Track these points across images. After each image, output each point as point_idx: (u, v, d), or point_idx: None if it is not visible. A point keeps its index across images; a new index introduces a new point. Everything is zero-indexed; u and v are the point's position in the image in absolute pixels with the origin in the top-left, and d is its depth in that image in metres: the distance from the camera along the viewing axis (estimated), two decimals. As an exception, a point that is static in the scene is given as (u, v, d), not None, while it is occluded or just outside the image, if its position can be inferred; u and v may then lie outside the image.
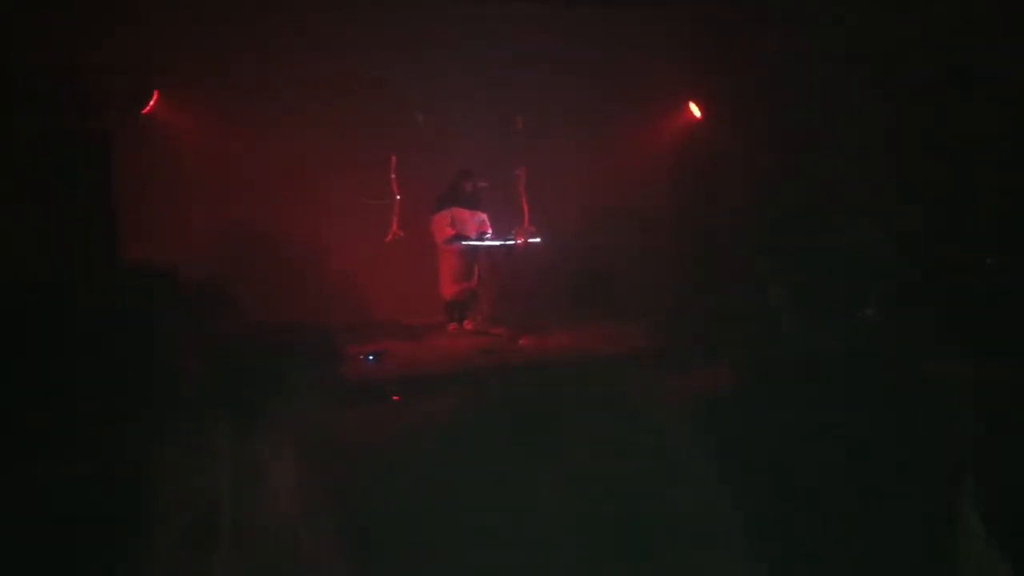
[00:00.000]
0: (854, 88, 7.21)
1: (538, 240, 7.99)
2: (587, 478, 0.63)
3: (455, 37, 8.01)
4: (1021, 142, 6.29)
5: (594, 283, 8.12)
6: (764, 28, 7.62)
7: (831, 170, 7.27)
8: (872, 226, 1.51)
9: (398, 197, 8.31)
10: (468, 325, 8.02)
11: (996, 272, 6.18)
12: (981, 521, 1.43)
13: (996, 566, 1.43)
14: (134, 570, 1.21)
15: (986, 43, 6.42)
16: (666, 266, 8.33)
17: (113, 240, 6.75)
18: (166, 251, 6.25)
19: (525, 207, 8.41)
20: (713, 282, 7.57)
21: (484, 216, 7.94)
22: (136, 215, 7.04)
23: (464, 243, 7.76)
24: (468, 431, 0.69)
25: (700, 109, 9.09)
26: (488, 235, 7.90)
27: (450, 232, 7.72)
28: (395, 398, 5.66)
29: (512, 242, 7.88)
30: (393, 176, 8.29)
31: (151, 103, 7.46)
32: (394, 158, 8.27)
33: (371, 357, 6.62)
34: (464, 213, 7.78)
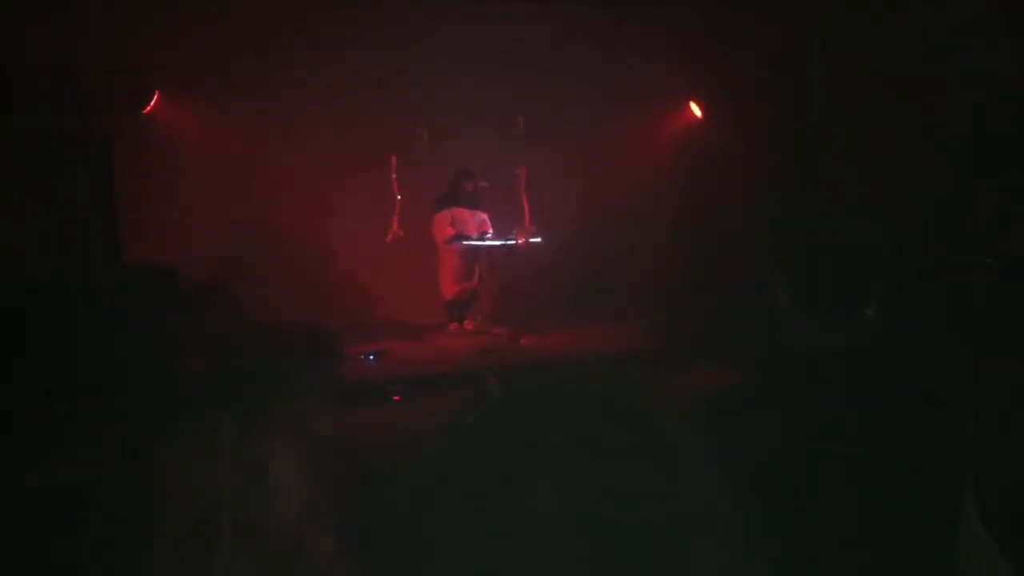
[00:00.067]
0: (854, 88, 7.21)
1: (539, 240, 8.00)
2: (587, 478, 0.62)
3: (455, 37, 8.01)
4: (1021, 142, 6.29)
5: (594, 283, 8.13)
6: (764, 28, 7.62)
7: (831, 170, 7.27)
8: (872, 226, 1.51)
9: (398, 197, 8.31)
10: (469, 325, 8.02)
11: (996, 272, 6.18)
12: (981, 521, 1.43)
13: (996, 566, 1.43)
14: (134, 569, 1.21)
15: (986, 43, 6.42)
16: (666, 266, 8.33)
17: (113, 240, 6.75)
18: (166, 251, 6.25)
19: (526, 207, 8.41)
20: (713, 282, 7.57)
21: (485, 216, 7.94)
22: (136, 215, 7.04)
23: (465, 243, 7.76)
24: (468, 431, 0.69)
25: (700, 109, 9.09)
26: (489, 235, 7.91)
27: (451, 232, 7.72)
28: (395, 398, 5.67)
29: (513, 242, 7.88)
30: (393, 176, 8.29)
31: (151, 103, 7.46)
32: (394, 158, 8.27)
33: (371, 357, 6.63)
34: (465, 213, 7.78)
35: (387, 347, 6.94)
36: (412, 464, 0.69)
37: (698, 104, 9.09)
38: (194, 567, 1.22)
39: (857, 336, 1.49)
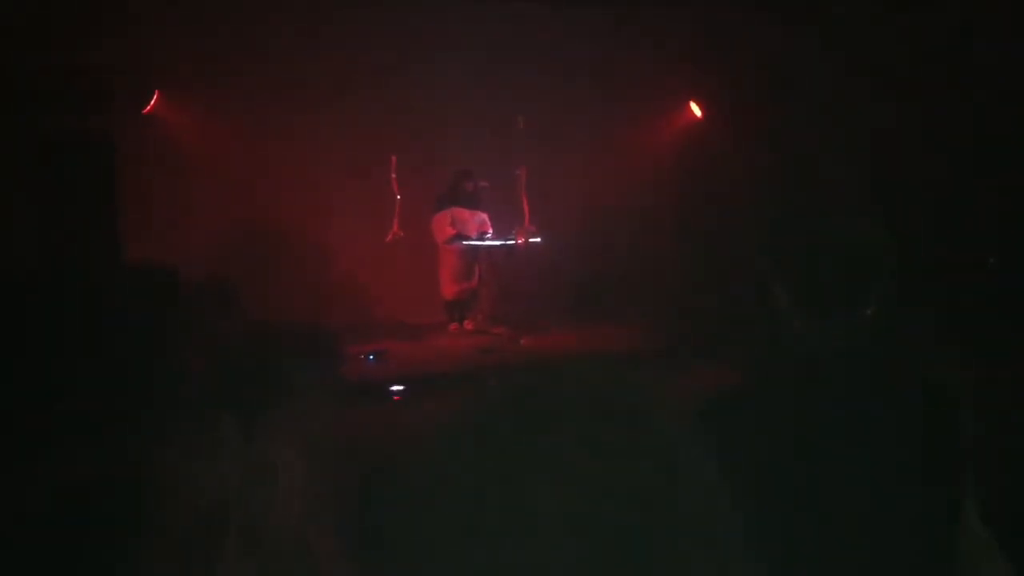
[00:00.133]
0: (854, 88, 7.22)
1: (538, 240, 8.00)
2: (587, 478, 0.62)
3: (455, 37, 8.02)
4: (1021, 142, 6.29)
5: (594, 283, 8.13)
6: (764, 28, 7.63)
7: (831, 170, 7.27)
8: (872, 226, 1.51)
9: (398, 197, 8.31)
10: (468, 325, 8.02)
11: (996, 272, 6.19)
12: (981, 521, 1.43)
13: (996, 566, 1.43)
14: (134, 570, 1.21)
15: (986, 43, 6.42)
16: (666, 266, 8.33)
17: (113, 240, 6.75)
18: (166, 251, 6.25)
19: (525, 207, 8.41)
20: (713, 282, 7.57)
21: (484, 216, 7.94)
22: (136, 215, 7.05)
23: (464, 243, 7.76)
24: (468, 431, 0.69)
25: (700, 109, 9.09)
26: (488, 235, 7.91)
27: (450, 232, 7.72)
28: (395, 398, 5.67)
29: (512, 242, 7.88)
30: (393, 176, 8.30)
31: (151, 103, 7.46)
32: (394, 158, 8.27)
33: (371, 357, 6.63)
34: (464, 213, 7.78)
35: (387, 347, 6.94)
36: (412, 464, 0.69)
37: (698, 104, 9.09)
38: (194, 568, 1.22)
39: (857, 336, 1.49)
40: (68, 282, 5.02)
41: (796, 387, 1.47)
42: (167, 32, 7.07)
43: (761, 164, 7.83)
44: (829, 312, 1.50)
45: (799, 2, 7.51)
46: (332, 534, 1.32)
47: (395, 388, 5.74)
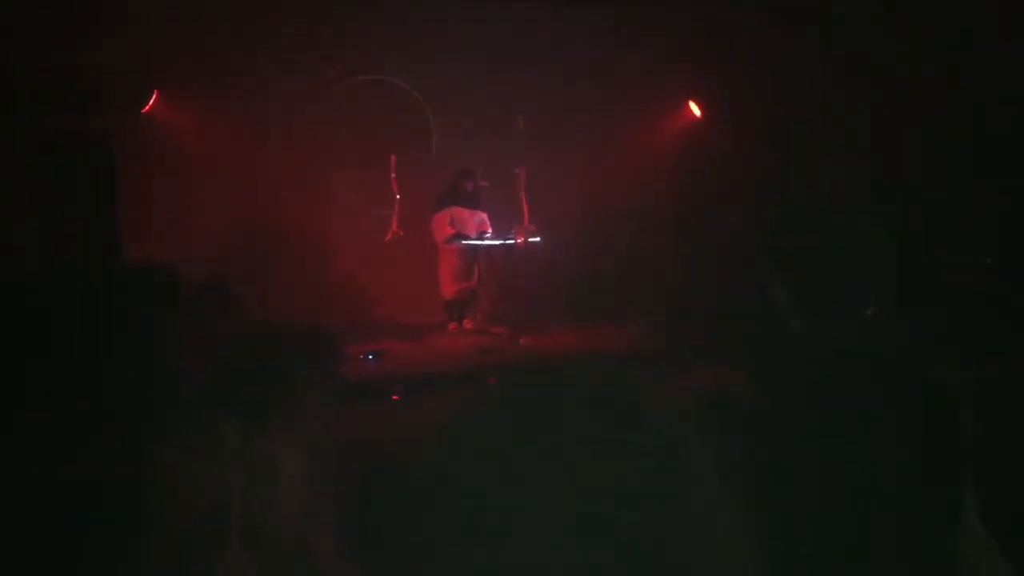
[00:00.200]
0: (854, 88, 7.21)
1: (538, 239, 8.00)
2: (587, 478, 0.62)
3: (455, 37, 8.02)
4: (1021, 142, 6.29)
5: (594, 283, 8.12)
6: (764, 28, 7.62)
7: (831, 170, 7.27)
8: (872, 226, 1.51)
9: (398, 197, 8.31)
10: (468, 324, 8.02)
11: (996, 272, 6.19)
12: (981, 521, 1.43)
13: (996, 566, 1.43)
14: (134, 570, 1.21)
15: (986, 43, 6.42)
16: (666, 266, 8.33)
17: (112, 240, 6.75)
18: (166, 251, 6.25)
19: (525, 207, 8.41)
20: (713, 282, 7.57)
21: (484, 215, 7.94)
22: (135, 215, 7.04)
23: (464, 242, 7.76)
24: (468, 431, 0.69)
25: (700, 109, 9.09)
26: (488, 234, 7.90)
27: (450, 231, 7.72)
28: (394, 397, 5.67)
29: (512, 241, 7.88)
30: (393, 176, 8.29)
31: (150, 103, 7.46)
32: (394, 158, 8.27)
33: (371, 357, 6.63)
34: (464, 212, 7.78)
35: (387, 347, 6.94)
36: (411, 464, 0.69)
37: (698, 104, 9.09)
38: (194, 568, 1.22)
39: (857, 336, 1.49)
40: (67, 282, 5.02)
41: (796, 387, 1.47)
42: (166, 32, 7.07)
43: (761, 164, 7.83)
44: (829, 312, 1.50)
45: (799, 2, 7.50)
46: (332, 534, 1.32)
47: (395, 388, 5.74)
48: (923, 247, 5.56)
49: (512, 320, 7.66)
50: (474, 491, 0.64)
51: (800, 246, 1.53)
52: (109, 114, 6.97)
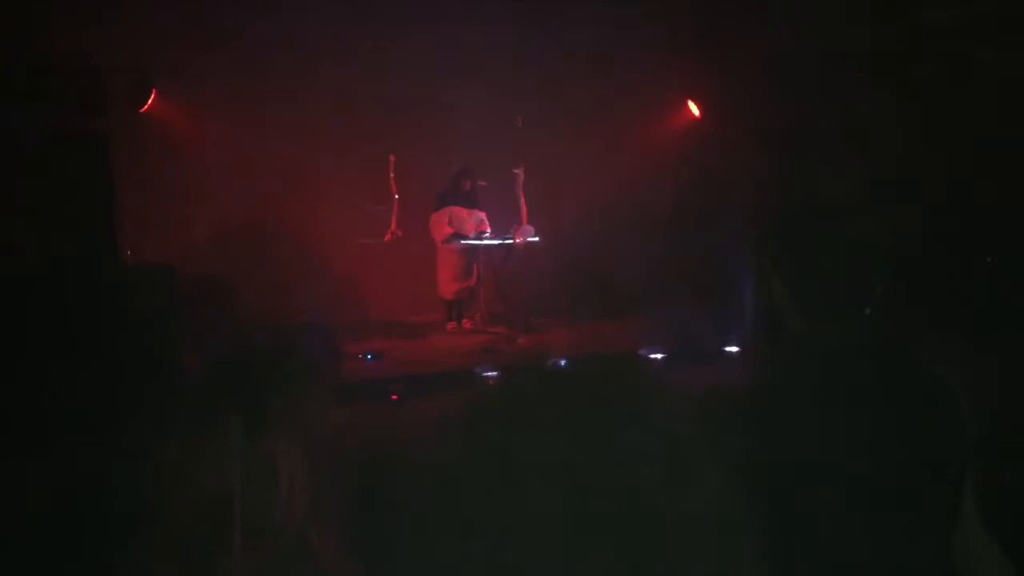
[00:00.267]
0: (853, 87, 7.21)
1: (536, 239, 7.99)
2: (586, 478, 0.62)
3: (454, 36, 8.01)
4: (1021, 142, 6.29)
5: (593, 283, 8.12)
6: (764, 27, 7.62)
7: (831, 170, 7.27)
8: (872, 226, 1.51)
9: (396, 197, 8.31)
10: (467, 324, 8.02)
11: (996, 272, 6.19)
12: (981, 521, 1.43)
13: (996, 566, 1.43)
14: (133, 570, 1.21)
15: (986, 42, 6.42)
16: (666, 266, 8.33)
17: (112, 240, 6.74)
18: (166, 251, 6.25)
19: (524, 206, 8.40)
20: (713, 282, 7.57)
21: (483, 215, 7.94)
22: (136, 215, 7.04)
23: (463, 242, 7.76)
24: (466, 430, 0.69)
25: (698, 108, 9.09)
26: (487, 234, 7.90)
27: (448, 231, 7.72)
28: (393, 397, 5.67)
29: (510, 241, 7.87)
30: (392, 175, 8.29)
31: (149, 102, 7.45)
32: (393, 158, 8.26)
33: (369, 356, 6.63)
34: (462, 212, 7.78)
35: (386, 346, 6.94)
36: (409, 463, 0.69)
37: (697, 103, 9.09)
38: (194, 568, 1.21)
39: (857, 336, 1.49)
40: (66, 281, 5.02)
41: (796, 387, 1.47)
42: (164, 31, 7.06)
43: (761, 164, 7.83)
44: (829, 312, 1.50)
45: (799, 1, 7.50)
46: (331, 534, 1.32)
47: (393, 387, 5.74)
48: (923, 247, 5.56)
49: (511, 320, 7.66)
50: (473, 490, 0.63)
51: (800, 246, 1.53)
52: (107, 113, 6.97)
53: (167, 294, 4.73)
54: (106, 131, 6.94)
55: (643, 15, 8.17)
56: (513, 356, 6.84)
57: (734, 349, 6.38)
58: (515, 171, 8.45)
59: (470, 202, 7.82)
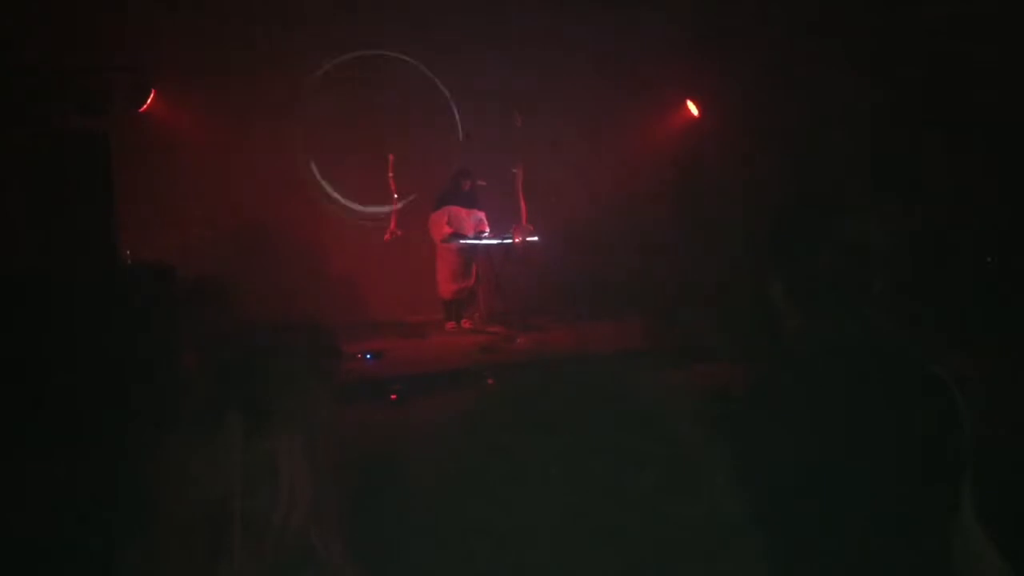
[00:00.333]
0: (854, 87, 7.21)
1: (536, 239, 7.99)
2: (586, 478, 0.62)
3: (454, 36, 8.02)
4: (1021, 141, 6.29)
5: (592, 282, 8.12)
6: (764, 26, 7.62)
7: (831, 169, 7.27)
8: (871, 225, 1.51)
9: (396, 196, 8.31)
10: (466, 324, 8.02)
11: (996, 272, 6.19)
12: (981, 521, 1.43)
13: (996, 566, 1.43)
14: (133, 569, 1.21)
15: (986, 42, 6.43)
16: (666, 266, 8.32)
17: (111, 240, 6.74)
18: (165, 251, 6.25)
19: (523, 206, 8.40)
20: (713, 282, 7.56)
21: (482, 215, 7.94)
22: (134, 214, 7.04)
23: (462, 242, 7.75)
24: (465, 430, 0.69)
25: (698, 108, 9.09)
26: (486, 234, 7.90)
27: (447, 230, 7.72)
28: (393, 397, 5.67)
29: (510, 241, 7.87)
30: (391, 175, 8.29)
31: (148, 102, 7.45)
32: (392, 157, 8.27)
33: (369, 356, 6.63)
34: (461, 211, 7.78)
35: (385, 346, 6.94)
36: (409, 463, 0.69)
37: (696, 103, 9.09)
38: (194, 568, 1.21)
39: (857, 335, 1.49)
40: (66, 282, 5.02)
41: (796, 387, 1.47)
42: (164, 31, 7.07)
43: (761, 163, 7.83)
44: (829, 311, 1.50)
45: (799, 1, 7.51)
46: (331, 534, 1.32)
47: (393, 387, 5.74)
48: (923, 246, 5.56)
49: (510, 319, 7.66)
50: (473, 490, 0.63)
51: (800, 246, 1.53)
52: (106, 113, 6.97)
53: (165, 295, 4.73)
54: (106, 131, 6.94)
55: (644, 13, 8.18)
56: (512, 355, 6.83)
57: (734, 349, 6.36)
58: (514, 171, 8.44)
59: (469, 202, 7.82)
